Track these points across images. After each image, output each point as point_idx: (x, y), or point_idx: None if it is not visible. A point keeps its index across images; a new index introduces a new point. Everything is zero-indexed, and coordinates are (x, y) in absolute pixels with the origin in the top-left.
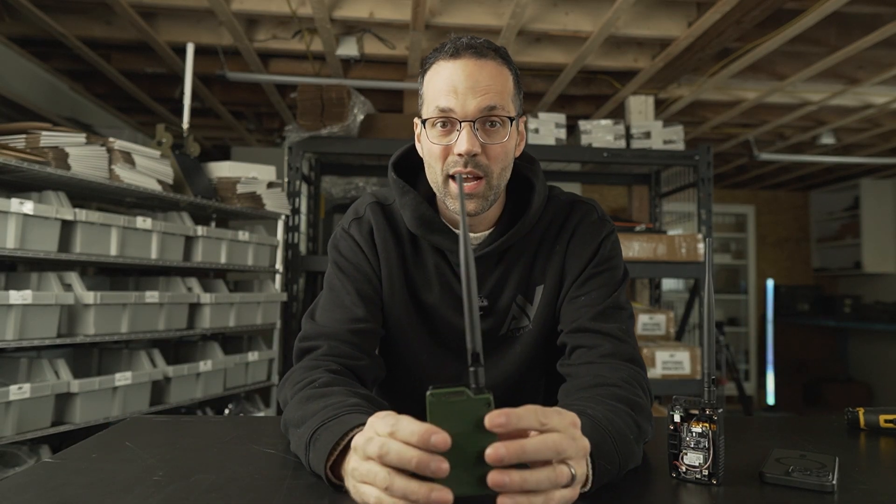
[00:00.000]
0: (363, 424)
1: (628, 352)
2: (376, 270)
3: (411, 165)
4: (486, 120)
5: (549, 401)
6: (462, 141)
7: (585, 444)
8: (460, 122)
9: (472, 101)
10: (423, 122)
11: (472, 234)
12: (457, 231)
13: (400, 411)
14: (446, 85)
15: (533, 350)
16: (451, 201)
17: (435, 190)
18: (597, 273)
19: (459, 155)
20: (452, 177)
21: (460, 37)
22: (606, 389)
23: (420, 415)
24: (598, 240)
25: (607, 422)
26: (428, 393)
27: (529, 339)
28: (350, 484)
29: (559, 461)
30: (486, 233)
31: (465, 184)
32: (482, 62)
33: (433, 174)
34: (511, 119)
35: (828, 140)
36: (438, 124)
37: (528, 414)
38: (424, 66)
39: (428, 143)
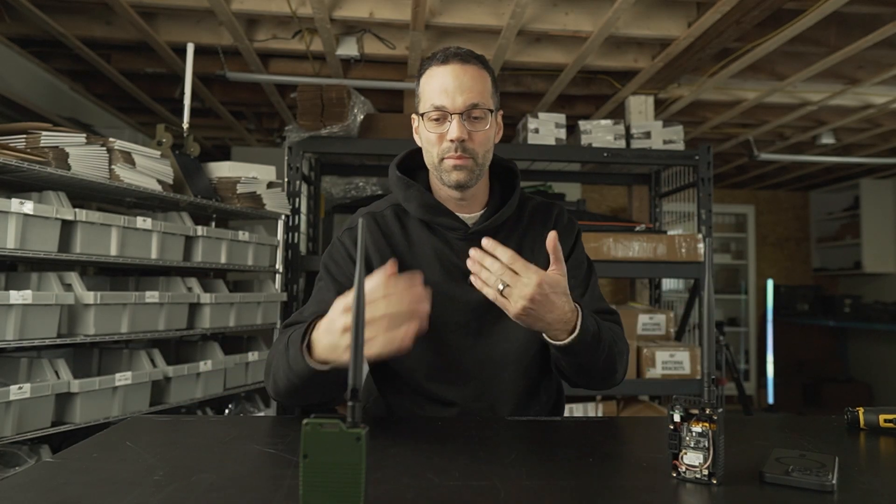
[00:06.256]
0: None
1: (602, 306)
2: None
3: (412, 167)
4: (471, 112)
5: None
6: (453, 129)
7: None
8: (451, 115)
9: (460, 98)
10: (421, 115)
11: (467, 215)
12: (455, 212)
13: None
14: (439, 85)
15: None
16: (445, 175)
17: (431, 169)
18: (573, 267)
19: (451, 141)
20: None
21: (448, 47)
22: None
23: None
24: (573, 238)
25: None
26: (304, 421)
27: None
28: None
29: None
30: (480, 213)
31: (455, 157)
32: (466, 67)
33: (430, 157)
34: (491, 111)
35: (828, 140)
36: (434, 117)
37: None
38: (420, 71)
39: (425, 132)
